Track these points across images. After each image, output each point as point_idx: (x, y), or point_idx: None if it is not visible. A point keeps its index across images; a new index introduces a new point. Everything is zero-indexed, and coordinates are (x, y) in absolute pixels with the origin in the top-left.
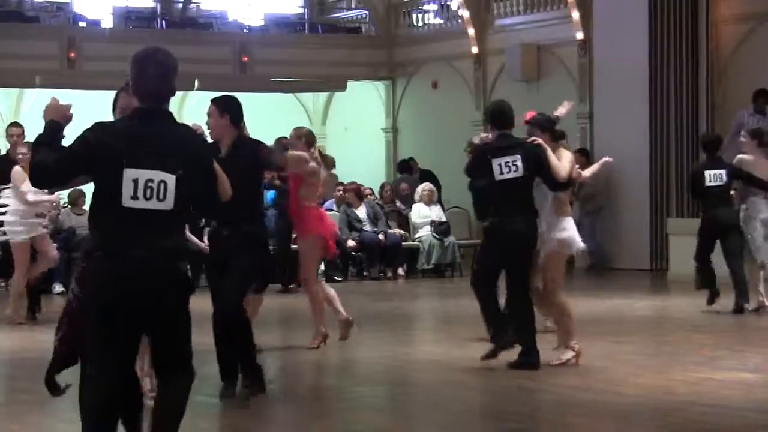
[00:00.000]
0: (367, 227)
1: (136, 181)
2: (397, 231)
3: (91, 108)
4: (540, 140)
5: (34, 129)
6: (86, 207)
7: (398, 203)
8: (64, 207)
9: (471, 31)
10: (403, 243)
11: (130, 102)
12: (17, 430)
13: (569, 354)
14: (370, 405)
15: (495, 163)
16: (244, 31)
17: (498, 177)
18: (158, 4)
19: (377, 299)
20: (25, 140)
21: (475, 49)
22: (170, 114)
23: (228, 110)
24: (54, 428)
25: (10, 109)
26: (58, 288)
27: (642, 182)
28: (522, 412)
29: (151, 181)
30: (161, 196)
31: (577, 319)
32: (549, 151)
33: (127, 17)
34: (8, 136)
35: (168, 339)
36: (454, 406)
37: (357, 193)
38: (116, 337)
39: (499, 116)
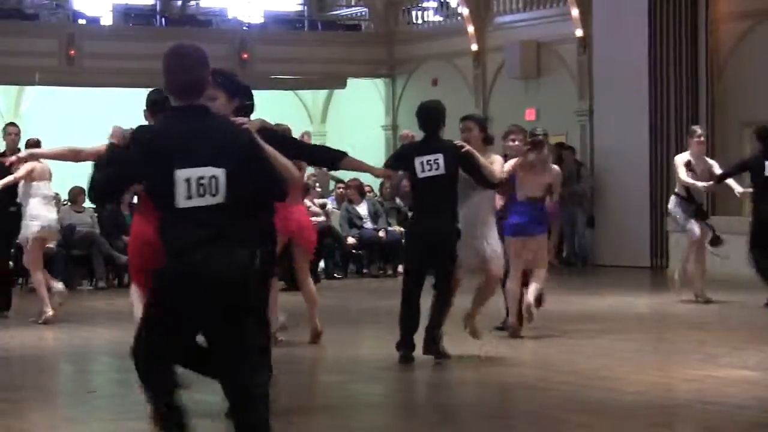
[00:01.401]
0: (368, 224)
1: (188, 180)
2: (397, 228)
3: (91, 105)
4: (467, 147)
5: (33, 126)
6: (86, 204)
7: (398, 200)
8: (64, 204)
9: (470, 29)
10: (403, 240)
11: None
12: (20, 426)
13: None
14: (369, 402)
15: (417, 160)
16: (244, 28)
17: (420, 174)
18: (158, 2)
19: (377, 296)
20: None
21: (474, 47)
22: (207, 108)
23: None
24: (57, 425)
25: (10, 106)
26: (59, 286)
27: (642, 179)
28: (522, 410)
29: (203, 177)
30: (214, 191)
31: (578, 317)
32: (476, 154)
33: (127, 14)
34: (5, 135)
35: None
36: (453, 403)
37: (359, 189)
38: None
39: (426, 119)
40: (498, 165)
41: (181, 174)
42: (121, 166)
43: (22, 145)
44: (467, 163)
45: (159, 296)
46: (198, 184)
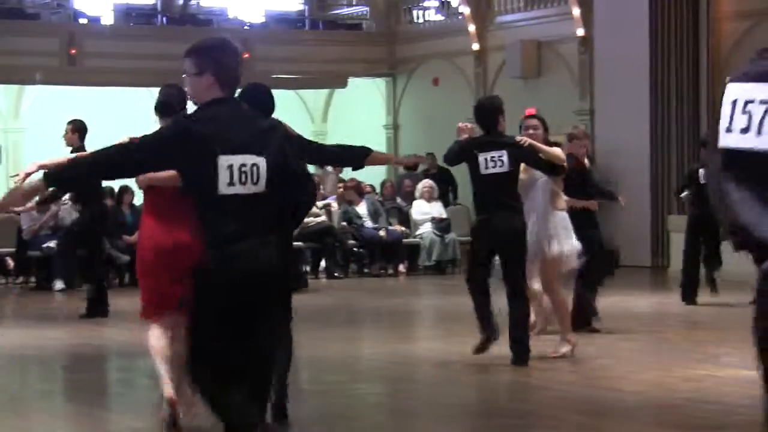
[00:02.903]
0: (368, 223)
1: (231, 167)
2: (398, 228)
3: (92, 104)
4: (528, 140)
5: (33, 126)
6: None
7: (399, 200)
8: (65, 204)
9: (471, 28)
10: (404, 240)
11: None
12: (20, 426)
13: (566, 347)
14: (370, 401)
15: (481, 157)
16: (245, 27)
17: (483, 171)
18: (159, 1)
19: (378, 296)
20: None
21: (475, 46)
22: (240, 101)
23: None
24: (57, 425)
25: (10, 106)
26: (59, 285)
27: (643, 179)
28: (522, 409)
29: (245, 165)
30: (255, 179)
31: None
32: (537, 144)
33: (128, 14)
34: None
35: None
36: (454, 402)
37: (357, 189)
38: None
39: (485, 115)
40: (559, 150)
41: (224, 160)
42: (155, 146)
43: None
44: (531, 156)
45: (207, 294)
46: (240, 171)
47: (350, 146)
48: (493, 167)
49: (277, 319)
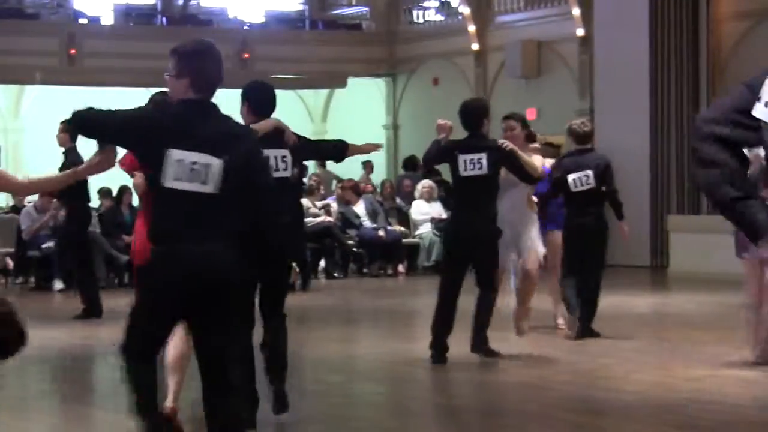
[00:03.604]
0: (367, 223)
1: (180, 162)
2: (398, 228)
3: (91, 104)
4: (511, 145)
5: (33, 126)
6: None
7: (398, 200)
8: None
9: (471, 28)
10: (404, 240)
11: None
12: (20, 426)
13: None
14: (369, 402)
15: (461, 158)
16: (245, 27)
17: (462, 173)
18: (159, 1)
19: (377, 296)
20: None
21: (475, 46)
22: (216, 106)
23: (247, 97)
24: (57, 425)
25: (10, 105)
26: (58, 285)
27: (642, 179)
28: (522, 409)
29: (196, 163)
30: (204, 179)
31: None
32: (519, 152)
33: (128, 14)
34: None
35: None
36: (453, 402)
37: (354, 189)
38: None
39: (469, 117)
40: (538, 161)
41: (174, 154)
42: (121, 120)
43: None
44: (511, 161)
45: (146, 286)
46: (190, 168)
47: (328, 140)
48: (472, 169)
49: (227, 327)
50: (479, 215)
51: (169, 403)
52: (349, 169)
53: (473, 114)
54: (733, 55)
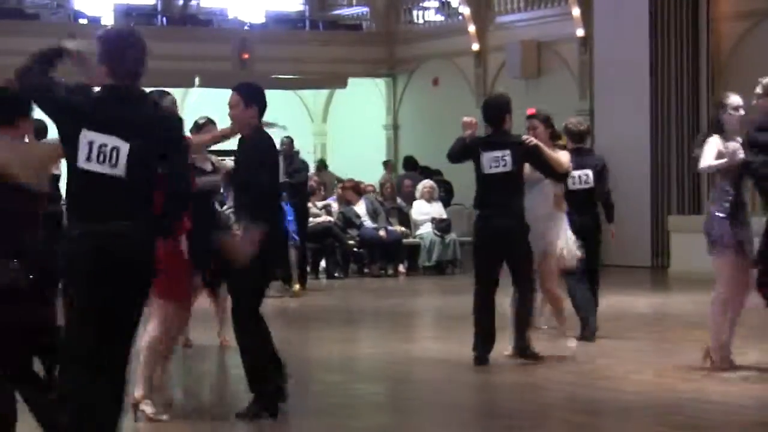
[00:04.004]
0: (367, 223)
1: (91, 144)
2: (398, 228)
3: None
4: (534, 140)
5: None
6: None
7: (399, 200)
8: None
9: (471, 28)
10: (404, 240)
11: None
12: (21, 426)
13: (572, 342)
14: (370, 402)
15: (485, 156)
16: (245, 28)
17: (486, 171)
18: (159, 1)
19: (378, 296)
20: None
21: (475, 46)
22: (145, 93)
23: (254, 101)
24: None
25: None
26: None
27: (643, 179)
28: (522, 409)
29: (105, 145)
30: (113, 162)
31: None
32: (543, 146)
33: (128, 14)
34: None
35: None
36: (454, 402)
37: (355, 189)
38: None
39: (492, 113)
40: (564, 158)
41: (86, 135)
42: (55, 96)
43: None
44: (535, 157)
45: (68, 263)
46: (99, 150)
47: None
48: (497, 167)
49: (128, 312)
50: (508, 212)
51: (139, 391)
52: (351, 170)
53: (496, 110)
54: (733, 55)
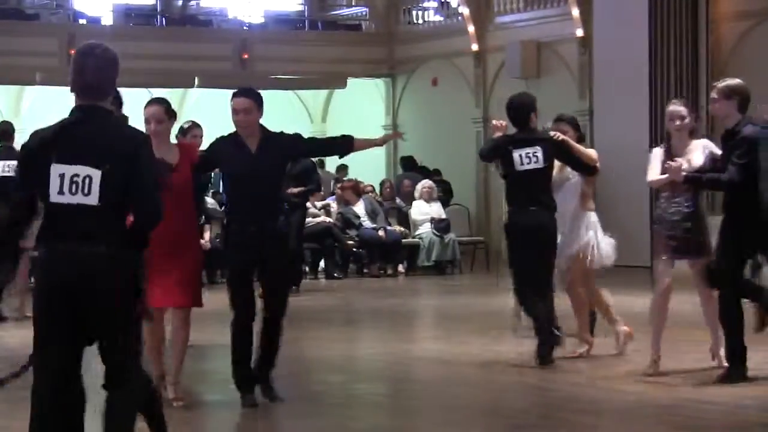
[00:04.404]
0: (366, 223)
1: (62, 176)
2: (397, 228)
3: None
4: (562, 136)
5: (33, 126)
6: None
7: (398, 200)
8: None
9: (471, 29)
10: (404, 240)
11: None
12: (21, 426)
13: (584, 347)
14: (370, 402)
15: (516, 153)
16: (244, 28)
17: (519, 168)
18: (158, 2)
19: (377, 296)
20: None
21: (475, 47)
22: (109, 112)
23: (262, 105)
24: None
25: (10, 106)
26: None
27: (642, 179)
28: (523, 409)
29: (77, 175)
30: (86, 191)
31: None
32: (571, 141)
33: (127, 14)
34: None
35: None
36: (454, 402)
37: (355, 189)
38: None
39: (518, 112)
40: (594, 154)
41: (55, 169)
42: (17, 180)
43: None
44: (564, 152)
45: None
46: (71, 181)
47: (333, 137)
48: (528, 163)
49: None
50: (540, 207)
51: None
52: (351, 170)
53: (521, 109)
54: (733, 56)
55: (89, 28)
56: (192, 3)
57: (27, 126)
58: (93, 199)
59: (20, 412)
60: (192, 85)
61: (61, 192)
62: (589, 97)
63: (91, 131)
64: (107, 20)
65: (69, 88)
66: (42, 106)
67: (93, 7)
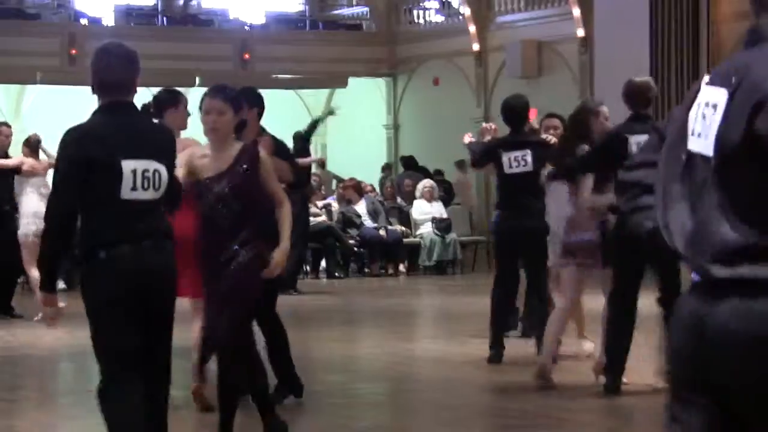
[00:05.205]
0: (368, 222)
1: (134, 172)
2: (398, 227)
3: (92, 105)
4: (554, 139)
5: (34, 125)
6: None
7: (399, 200)
8: None
9: (472, 28)
10: (405, 239)
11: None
12: (21, 426)
13: (588, 344)
14: (371, 401)
15: (505, 156)
16: (246, 28)
17: (507, 171)
18: (159, 1)
19: (378, 296)
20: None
21: (476, 46)
22: (135, 106)
23: (257, 103)
24: (57, 425)
25: (11, 106)
26: (60, 285)
27: None
28: (523, 409)
29: (147, 171)
30: (157, 186)
31: None
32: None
33: (129, 14)
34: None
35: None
36: (455, 402)
37: (356, 189)
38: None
39: (511, 114)
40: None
41: (127, 165)
42: (63, 179)
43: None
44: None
45: (100, 289)
46: (143, 176)
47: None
48: (517, 167)
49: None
50: (527, 212)
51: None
52: (352, 170)
53: (516, 111)
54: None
55: (90, 28)
56: (193, 3)
57: (27, 126)
58: (159, 194)
59: (24, 413)
60: (193, 85)
61: (134, 188)
62: (589, 97)
63: (142, 127)
64: (108, 20)
65: (90, 86)
66: (42, 106)
67: (94, 6)
